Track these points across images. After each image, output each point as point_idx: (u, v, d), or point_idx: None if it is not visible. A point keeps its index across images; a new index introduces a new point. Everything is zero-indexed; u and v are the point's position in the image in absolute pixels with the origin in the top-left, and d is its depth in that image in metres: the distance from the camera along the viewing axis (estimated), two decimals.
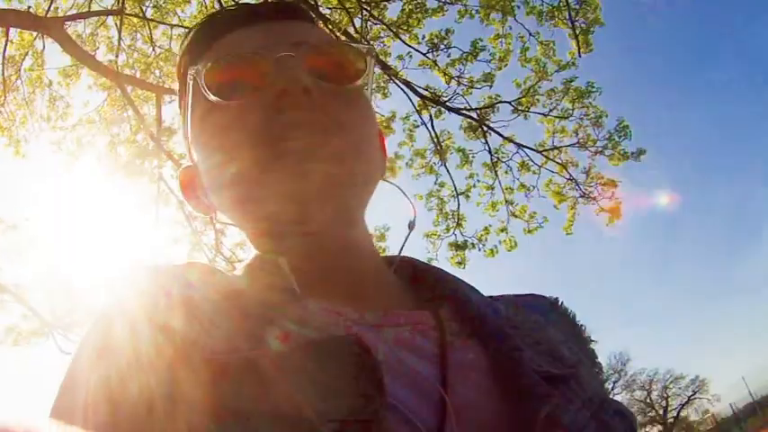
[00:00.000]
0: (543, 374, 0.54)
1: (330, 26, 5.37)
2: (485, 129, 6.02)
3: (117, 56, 6.06)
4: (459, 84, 5.92)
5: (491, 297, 0.66)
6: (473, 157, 6.27)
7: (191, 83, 0.65)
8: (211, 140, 0.63)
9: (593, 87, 6.22)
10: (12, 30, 5.35)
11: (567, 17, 5.41)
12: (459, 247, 6.17)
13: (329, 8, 5.68)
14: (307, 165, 0.58)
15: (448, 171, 6.09)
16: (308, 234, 0.61)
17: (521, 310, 0.65)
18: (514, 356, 0.54)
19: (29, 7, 5.49)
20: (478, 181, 6.35)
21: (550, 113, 6.20)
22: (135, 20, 6.02)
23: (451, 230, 6.24)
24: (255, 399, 0.43)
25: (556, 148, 6.24)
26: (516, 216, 6.22)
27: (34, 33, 5.45)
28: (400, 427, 0.47)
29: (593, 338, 0.69)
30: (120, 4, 5.68)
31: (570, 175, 6.16)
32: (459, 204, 6.17)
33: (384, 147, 0.74)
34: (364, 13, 5.65)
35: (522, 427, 0.50)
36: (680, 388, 33.19)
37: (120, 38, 5.80)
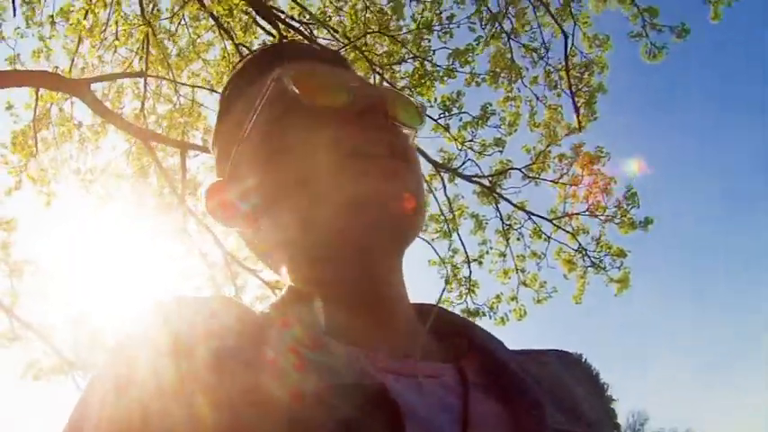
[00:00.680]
0: None
1: None
2: (496, 196, 6.09)
3: (142, 111, 6.35)
4: (470, 149, 6.03)
5: (515, 351, 0.65)
6: (486, 223, 6.33)
7: (268, 88, 0.64)
8: (287, 139, 0.62)
9: (602, 152, 6.27)
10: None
11: (568, 91, 5.52)
12: (471, 314, 6.16)
13: None
14: (390, 179, 0.59)
15: (460, 237, 6.14)
16: (367, 252, 0.60)
17: (544, 365, 0.64)
18: (535, 414, 0.54)
19: (56, 68, 5.82)
20: (491, 248, 6.38)
21: (560, 179, 6.25)
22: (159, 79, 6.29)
23: (464, 297, 6.26)
24: None
25: (566, 215, 6.25)
26: (526, 285, 6.23)
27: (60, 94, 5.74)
28: None
29: (613, 397, 0.67)
30: (145, 66, 5.97)
31: (579, 244, 6.17)
32: (470, 271, 6.20)
33: None
34: (376, 76, 5.81)
35: None
36: None
37: (144, 98, 6.10)
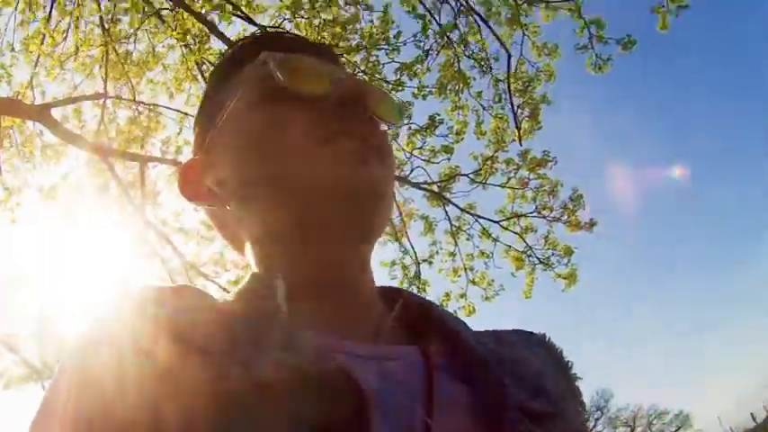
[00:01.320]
0: (527, 411, 0.54)
1: None
2: (444, 200, 6.40)
3: (102, 128, 6.49)
4: (419, 157, 6.31)
5: (478, 332, 0.65)
6: (436, 225, 6.65)
7: (253, 70, 0.66)
8: (262, 123, 0.63)
9: (549, 157, 6.61)
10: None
11: (509, 108, 5.82)
12: None
13: None
14: (360, 166, 0.60)
15: (408, 239, 6.45)
16: (333, 235, 0.61)
17: (506, 344, 0.64)
18: (499, 392, 0.55)
19: (17, 93, 5.94)
20: (441, 248, 6.72)
21: (508, 183, 6.58)
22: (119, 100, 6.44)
23: None
24: (243, 430, 0.42)
25: (514, 216, 6.60)
26: (475, 283, 6.58)
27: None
28: None
29: (578, 375, 0.68)
30: (104, 85, 6.11)
31: (527, 244, 6.53)
32: (419, 272, 6.52)
33: None
34: None
35: None
36: (664, 424, 32.83)
37: (103, 117, 6.25)
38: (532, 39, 6.20)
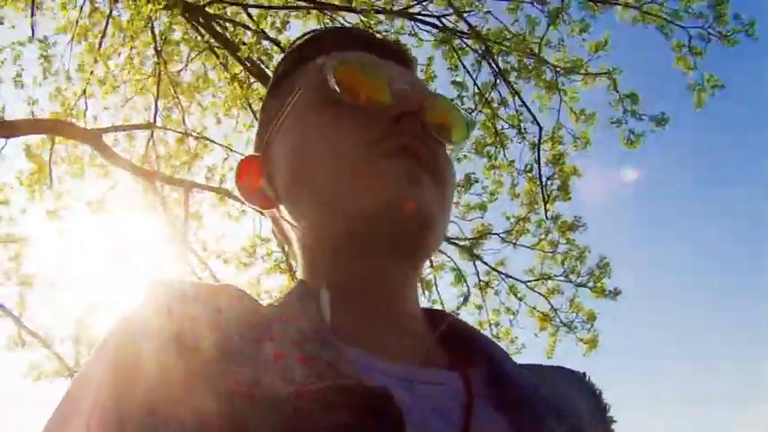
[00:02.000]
0: None
1: None
2: (475, 257, 6.49)
3: (149, 155, 6.78)
4: (453, 210, 6.40)
5: (521, 365, 0.64)
6: (465, 280, 6.72)
7: (313, 72, 0.65)
8: (317, 131, 0.62)
9: (579, 222, 6.62)
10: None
11: (538, 181, 5.88)
12: None
13: None
14: (410, 187, 0.58)
15: (437, 290, 6.55)
16: (376, 253, 0.60)
17: (548, 380, 0.63)
18: (537, 426, 0.54)
19: (71, 112, 6.24)
20: (470, 298, 6.75)
21: (538, 245, 6.62)
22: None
23: None
24: None
25: (543, 277, 6.64)
26: (499, 338, 6.63)
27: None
28: None
29: (614, 418, 0.67)
30: (154, 115, 6.40)
31: (551, 306, 6.57)
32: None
33: None
34: None
35: None
36: None
37: (150, 146, 6.53)
38: (569, 105, 6.24)
